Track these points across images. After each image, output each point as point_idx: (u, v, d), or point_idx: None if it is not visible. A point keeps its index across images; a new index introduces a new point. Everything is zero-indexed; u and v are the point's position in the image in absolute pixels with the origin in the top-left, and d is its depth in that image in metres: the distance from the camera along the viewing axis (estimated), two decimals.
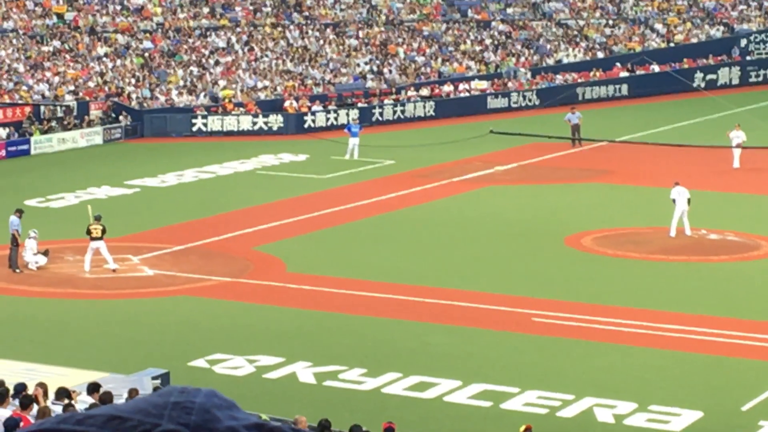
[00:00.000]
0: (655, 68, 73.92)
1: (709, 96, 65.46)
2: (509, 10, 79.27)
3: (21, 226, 34.72)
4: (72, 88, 60.40)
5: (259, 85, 65.22)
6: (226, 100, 62.17)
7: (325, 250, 37.03)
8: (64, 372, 24.60)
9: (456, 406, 24.33)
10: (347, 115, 62.03)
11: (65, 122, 57.21)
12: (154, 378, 22.58)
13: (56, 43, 64.17)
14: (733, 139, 50.60)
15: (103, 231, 34.12)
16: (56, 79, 60.93)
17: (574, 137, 54.92)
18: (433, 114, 65.44)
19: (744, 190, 46.24)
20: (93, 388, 19.52)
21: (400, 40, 73.36)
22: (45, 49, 63.43)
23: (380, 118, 63.78)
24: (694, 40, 79.54)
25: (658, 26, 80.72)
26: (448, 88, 68.10)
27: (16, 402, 18.01)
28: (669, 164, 49.29)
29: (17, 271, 34.33)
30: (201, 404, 2.18)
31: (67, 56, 63.43)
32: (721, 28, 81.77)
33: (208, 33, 69.24)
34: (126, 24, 67.34)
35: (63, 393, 18.79)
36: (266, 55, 68.44)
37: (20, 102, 57.93)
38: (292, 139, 58.78)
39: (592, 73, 73.15)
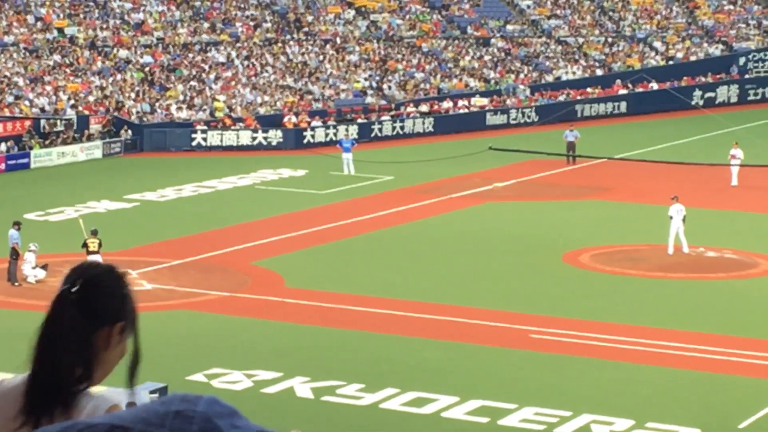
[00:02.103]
0: (654, 86, 73.97)
1: (707, 114, 65.48)
2: (509, 27, 79.36)
3: (20, 239, 34.74)
4: (72, 102, 60.43)
5: (259, 100, 65.27)
6: (219, 113, 62.21)
7: (323, 265, 37.01)
8: None
9: (453, 422, 24.31)
10: (346, 130, 62.06)
11: (65, 136, 57.23)
12: (151, 392, 22.57)
13: (56, 57, 64.22)
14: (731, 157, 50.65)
15: (100, 245, 34.15)
16: (56, 93, 60.95)
17: (568, 154, 54.86)
18: (433, 130, 65.46)
19: (742, 207, 46.22)
20: None
21: (399, 56, 73.42)
22: (45, 63, 63.49)
23: (379, 134, 63.80)
24: (693, 58, 79.62)
25: (657, 44, 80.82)
26: (447, 104, 68.14)
27: None
28: (667, 182, 49.24)
29: (16, 284, 34.30)
30: (202, 413, 2.19)
31: (68, 70, 63.49)
32: (720, 46, 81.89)
33: (208, 48, 69.31)
34: (126, 39, 67.40)
35: None
36: (266, 71, 68.51)
37: (20, 116, 57.97)
38: (291, 154, 58.78)
39: (591, 91, 73.23)
